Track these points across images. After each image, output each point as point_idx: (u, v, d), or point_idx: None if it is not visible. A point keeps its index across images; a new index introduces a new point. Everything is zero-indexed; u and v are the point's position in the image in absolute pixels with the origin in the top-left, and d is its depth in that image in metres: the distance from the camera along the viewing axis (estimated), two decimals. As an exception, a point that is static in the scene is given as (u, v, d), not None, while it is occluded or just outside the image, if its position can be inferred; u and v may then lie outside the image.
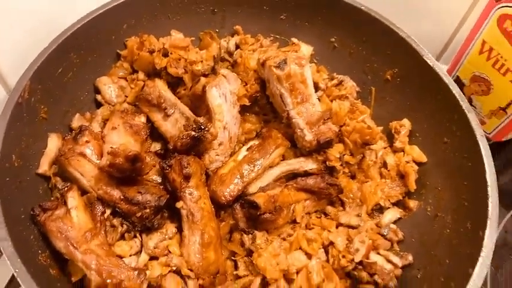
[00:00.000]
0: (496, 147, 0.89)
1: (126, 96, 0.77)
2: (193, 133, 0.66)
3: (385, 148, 0.78)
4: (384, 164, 0.77)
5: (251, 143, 0.75)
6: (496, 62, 0.78)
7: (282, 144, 0.74)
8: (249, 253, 0.65)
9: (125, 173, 0.61)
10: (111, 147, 0.59)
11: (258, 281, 0.61)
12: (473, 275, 0.55)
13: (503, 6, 0.73)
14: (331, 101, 0.79)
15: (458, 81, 0.87)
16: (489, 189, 0.62)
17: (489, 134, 0.87)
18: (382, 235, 0.71)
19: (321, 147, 0.72)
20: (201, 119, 0.68)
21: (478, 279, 0.55)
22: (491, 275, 0.76)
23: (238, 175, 0.69)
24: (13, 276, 0.69)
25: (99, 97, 0.76)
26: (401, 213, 0.73)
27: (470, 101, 0.86)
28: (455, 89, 0.71)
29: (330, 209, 0.73)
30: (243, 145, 0.75)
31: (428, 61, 0.74)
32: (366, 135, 0.75)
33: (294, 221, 0.69)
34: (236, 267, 0.65)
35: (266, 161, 0.72)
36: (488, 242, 0.57)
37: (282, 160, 0.75)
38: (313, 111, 0.72)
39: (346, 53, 0.86)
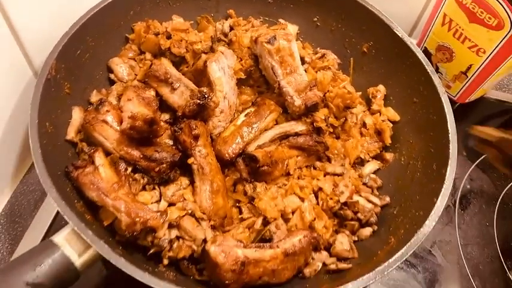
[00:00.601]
0: (463, 110, 1.02)
1: (136, 75, 0.87)
2: (198, 101, 0.77)
3: (364, 111, 0.90)
4: (364, 124, 0.88)
5: (248, 110, 0.86)
6: (455, 32, 0.90)
7: (275, 110, 0.85)
8: (251, 200, 0.75)
9: (143, 134, 0.71)
10: (131, 112, 0.70)
11: (260, 220, 0.72)
12: (437, 202, 0.67)
13: None
14: (316, 72, 0.90)
15: (426, 51, 0.99)
16: (450, 135, 0.74)
17: (454, 96, 0.99)
18: (364, 184, 0.83)
19: (309, 111, 0.83)
20: (205, 89, 0.79)
21: (441, 205, 0.67)
22: (457, 216, 0.88)
23: (239, 136, 0.80)
24: (54, 219, 0.81)
25: (112, 76, 0.86)
26: (379, 165, 0.85)
27: (436, 69, 0.98)
28: (420, 55, 0.83)
29: (318, 163, 0.84)
30: (241, 113, 0.86)
31: (398, 33, 0.86)
32: (347, 100, 0.86)
33: (287, 174, 0.80)
34: (241, 212, 0.75)
35: (262, 124, 0.83)
36: (449, 176, 0.69)
37: (275, 124, 0.86)
38: (300, 81, 0.83)
39: (327, 30, 0.97)
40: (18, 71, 0.79)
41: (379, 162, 0.85)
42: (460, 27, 0.88)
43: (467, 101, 1.00)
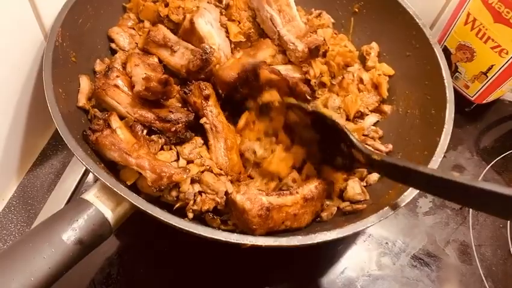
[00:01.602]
0: (479, 111, 1.05)
1: (137, 43, 0.88)
2: (201, 57, 0.78)
3: (359, 69, 0.94)
4: (360, 80, 0.92)
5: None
6: (478, 32, 0.90)
7: (271, 46, 0.87)
8: (257, 165, 0.77)
9: (157, 95, 0.72)
10: (145, 74, 0.71)
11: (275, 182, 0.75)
12: (441, 140, 0.72)
13: None
14: (314, 31, 0.93)
15: (446, 50, 0.99)
16: (445, 81, 0.79)
17: (472, 97, 1.00)
18: (365, 135, 0.87)
19: (312, 54, 0.84)
20: (205, 45, 0.80)
21: (444, 142, 0.72)
22: (471, 216, 0.91)
23: (240, 64, 0.80)
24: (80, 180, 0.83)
25: (113, 45, 0.86)
26: (378, 117, 0.90)
27: (455, 68, 0.99)
28: (411, 11, 0.88)
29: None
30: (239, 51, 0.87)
31: (388, -10, 0.91)
32: (348, 58, 0.90)
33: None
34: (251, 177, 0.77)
35: (261, 55, 0.84)
36: (449, 117, 0.75)
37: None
38: (300, 27, 0.86)
39: (318, -8, 1.00)
40: (29, 33, 0.77)
41: (377, 114, 0.90)
42: (483, 26, 0.89)
43: (484, 102, 1.01)
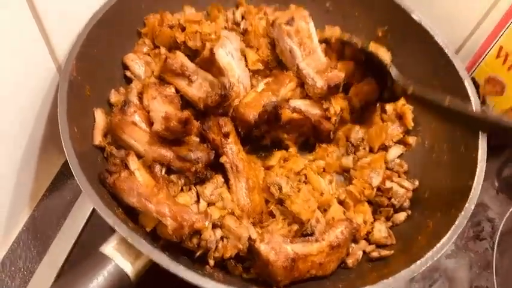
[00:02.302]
0: (500, 145, 0.96)
1: (153, 71, 0.84)
2: (220, 92, 0.75)
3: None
4: (383, 110, 0.89)
5: (266, 79, 0.84)
6: (511, 67, 0.86)
7: (293, 80, 0.84)
8: (280, 202, 0.74)
9: (177, 134, 0.69)
10: (166, 112, 0.67)
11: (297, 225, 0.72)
12: (474, 184, 0.69)
13: None
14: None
15: (473, 81, 0.94)
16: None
17: None
18: (389, 168, 0.84)
19: (331, 92, 0.82)
20: (225, 79, 0.77)
21: (477, 187, 0.68)
22: (496, 260, 0.84)
23: (261, 100, 0.79)
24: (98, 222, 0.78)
25: (128, 73, 0.82)
26: (403, 149, 0.86)
27: (483, 100, 0.95)
28: (439, 39, 0.84)
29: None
30: (259, 82, 0.85)
31: (415, 17, 0.86)
32: (370, 95, 0.86)
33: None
34: (273, 216, 0.73)
35: (284, 90, 0.82)
36: (481, 158, 0.71)
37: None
38: (321, 61, 0.83)
39: (339, 16, 0.96)
40: (41, 65, 0.73)
41: (402, 146, 0.86)
42: None
43: None
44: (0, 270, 0.74)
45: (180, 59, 0.81)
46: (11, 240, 0.78)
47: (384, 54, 0.83)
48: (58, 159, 0.86)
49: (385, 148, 0.87)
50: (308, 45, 0.82)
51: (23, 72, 0.67)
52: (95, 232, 0.78)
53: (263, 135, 0.80)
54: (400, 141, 0.87)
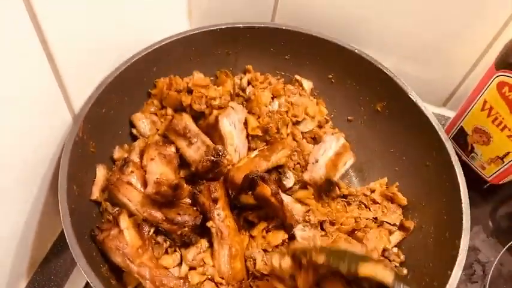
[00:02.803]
0: (494, 188, 1.01)
1: (157, 130, 0.90)
2: (212, 158, 0.79)
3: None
4: (374, 201, 0.89)
5: (262, 146, 0.89)
6: (495, 119, 0.88)
7: (286, 146, 0.88)
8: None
9: (167, 198, 0.73)
10: (157, 178, 0.72)
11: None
12: (452, 275, 0.69)
13: (501, 75, 0.84)
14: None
15: (462, 130, 0.98)
16: (463, 205, 0.76)
17: (488, 177, 0.98)
18: (385, 257, 0.82)
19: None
20: (220, 147, 0.82)
21: (455, 278, 0.69)
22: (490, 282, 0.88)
23: (252, 166, 0.82)
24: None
25: (134, 131, 0.88)
26: (402, 235, 0.85)
27: (472, 149, 0.98)
28: (433, 121, 0.86)
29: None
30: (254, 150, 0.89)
31: (412, 97, 0.89)
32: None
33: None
34: None
35: (275, 156, 0.86)
36: (463, 248, 0.71)
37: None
38: None
39: (342, 87, 1.00)
40: (57, 116, 0.76)
41: (400, 232, 0.85)
42: (500, 115, 0.87)
43: (500, 182, 0.99)
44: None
45: (185, 120, 0.87)
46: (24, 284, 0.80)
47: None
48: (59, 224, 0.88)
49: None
50: None
51: (39, 128, 0.71)
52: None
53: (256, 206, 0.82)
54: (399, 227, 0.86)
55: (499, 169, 0.95)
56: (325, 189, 0.85)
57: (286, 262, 0.64)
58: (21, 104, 0.64)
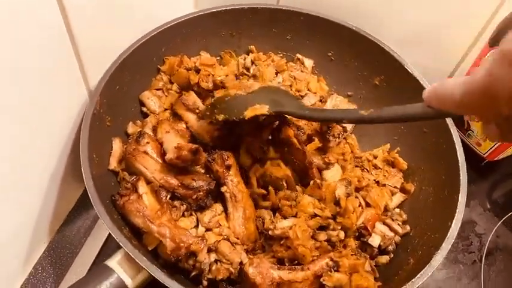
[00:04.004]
0: (491, 165, 1.08)
1: (165, 108, 0.94)
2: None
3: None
4: (375, 166, 0.94)
5: None
6: None
7: None
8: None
9: (187, 163, 0.77)
10: (177, 143, 0.76)
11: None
12: (452, 226, 0.74)
13: None
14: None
15: None
16: (460, 164, 0.81)
17: (484, 154, 1.04)
18: (389, 217, 0.86)
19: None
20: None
21: (455, 228, 0.73)
22: (483, 272, 0.93)
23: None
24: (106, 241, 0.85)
25: (144, 109, 0.92)
26: (403, 197, 0.90)
27: (468, 126, 1.04)
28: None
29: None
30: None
31: (408, 69, 0.94)
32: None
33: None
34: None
35: None
36: (461, 202, 0.76)
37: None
38: None
39: (341, 64, 1.05)
40: (75, 89, 0.80)
41: (402, 194, 0.90)
42: None
43: (496, 159, 1.04)
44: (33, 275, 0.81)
45: (193, 97, 0.91)
46: (31, 265, 0.84)
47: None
48: (77, 189, 0.93)
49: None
50: None
51: (58, 101, 0.75)
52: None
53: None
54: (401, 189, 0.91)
55: (494, 145, 1.01)
56: (324, 131, 0.89)
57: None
58: (41, 75, 0.68)
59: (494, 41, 0.88)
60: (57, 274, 0.82)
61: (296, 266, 0.73)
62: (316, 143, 0.87)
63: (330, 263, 0.74)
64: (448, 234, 0.73)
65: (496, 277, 0.93)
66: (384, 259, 0.80)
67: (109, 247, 0.85)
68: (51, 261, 0.84)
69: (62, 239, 0.87)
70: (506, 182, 1.10)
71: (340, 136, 0.89)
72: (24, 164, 0.71)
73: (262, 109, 0.77)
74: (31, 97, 0.67)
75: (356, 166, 0.92)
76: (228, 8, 0.98)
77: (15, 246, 0.78)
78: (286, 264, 0.75)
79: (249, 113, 0.77)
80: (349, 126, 0.96)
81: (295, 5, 1.01)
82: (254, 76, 0.98)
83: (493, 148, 1.02)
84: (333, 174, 0.87)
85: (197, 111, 0.89)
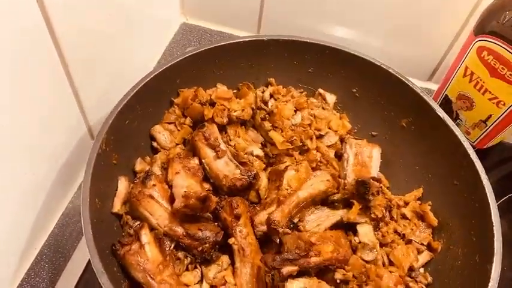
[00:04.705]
0: (481, 153, 0.94)
1: (177, 144, 0.89)
2: (249, 179, 0.80)
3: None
4: (403, 216, 0.86)
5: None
6: (476, 84, 0.95)
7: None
8: None
9: (196, 211, 0.72)
10: (184, 191, 0.71)
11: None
12: (483, 302, 0.66)
13: (480, 40, 0.90)
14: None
15: (447, 99, 1.05)
16: (494, 228, 0.73)
17: (473, 142, 1.04)
18: (412, 278, 0.79)
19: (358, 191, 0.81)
20: (254, 169, 0.81)
21: (486, 305, 0.66)
22: None
23: None
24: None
25: (155, 144, 0.88)
26: (429, 256, 0.82)
27: (457, 116, 1.05)
28: (462, 138, 0.83)
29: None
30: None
31: (440, 114, 0.86)
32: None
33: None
34: None
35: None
36: (494, 274, 0.69)
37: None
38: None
39: (366, 102, 0.98)
40: (73, 128, 0.82)
41: (429, 252, 0.82)
42: (481, 79, 0.93)
43: (485, 147, 1.04)
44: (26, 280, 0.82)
45: (216, 132, 0.86)
46: (34, 254, 0.85)
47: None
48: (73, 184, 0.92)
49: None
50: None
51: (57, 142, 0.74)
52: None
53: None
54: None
55: (483, 133, 1.01)
56: (362, 193, 0.80)
57: None
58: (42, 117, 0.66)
59: (479, 30, 0.89)
60: (50, 279, 0.82)
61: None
62: (357, 206, 0.80)
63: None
64: (478, 312, 0.65)
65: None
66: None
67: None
68: (43, 267, 0.84)
69: (53, 243, 0.86)
70: (496, 170, 1.08)
71: (379, 192, 0.82)
72: (16, 171, 0.72)
73: None
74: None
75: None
76: (247, 39, 0.93)
77: (7, 253, 0.78)
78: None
79: None
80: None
81: (318, 37, 0.95)
82: (271, 112, 0.92)
83: (482, 136, 1.02)
84: (365, 231, 0.80)
85: (218, 149, 0.84)
